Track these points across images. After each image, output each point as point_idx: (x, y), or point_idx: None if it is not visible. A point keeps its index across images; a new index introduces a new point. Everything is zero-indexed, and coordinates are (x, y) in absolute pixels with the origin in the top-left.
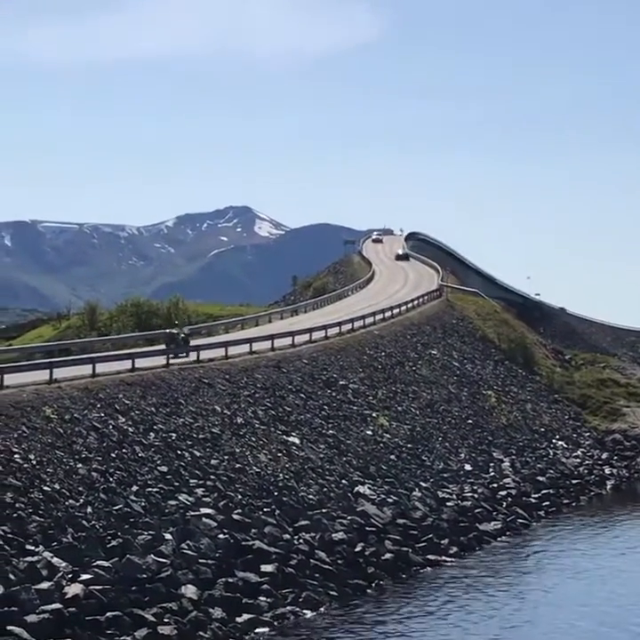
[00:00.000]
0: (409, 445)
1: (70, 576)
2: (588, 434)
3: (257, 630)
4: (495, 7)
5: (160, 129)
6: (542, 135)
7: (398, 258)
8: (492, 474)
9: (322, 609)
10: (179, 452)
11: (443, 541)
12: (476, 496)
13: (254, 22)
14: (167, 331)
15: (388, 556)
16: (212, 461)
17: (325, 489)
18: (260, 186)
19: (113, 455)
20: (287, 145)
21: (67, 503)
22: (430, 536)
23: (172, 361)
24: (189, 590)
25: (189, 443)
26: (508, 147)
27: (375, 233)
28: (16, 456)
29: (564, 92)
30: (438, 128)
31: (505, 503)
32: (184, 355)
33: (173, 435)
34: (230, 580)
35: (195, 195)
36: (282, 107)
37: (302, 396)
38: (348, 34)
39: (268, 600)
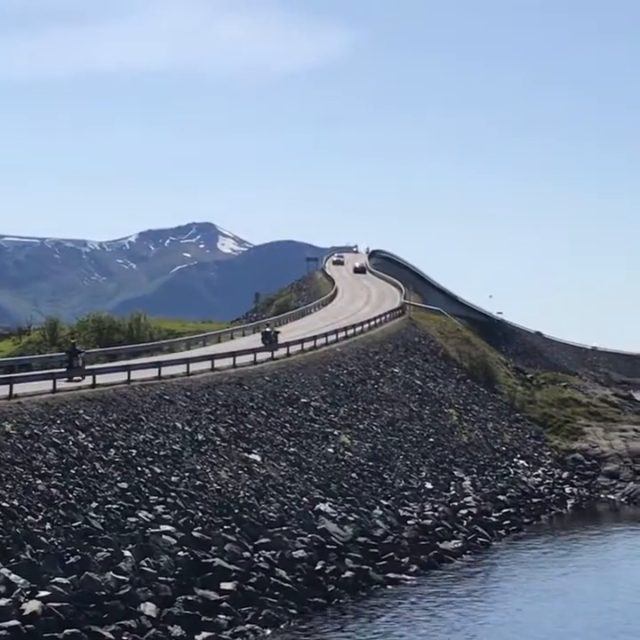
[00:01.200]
0: (370, 463)
1: (28, 593)
2: (548, 453)
3: None
4: (467, 21)
5: (123, 144)
6: (508, 153)
7: (356, 271)
8: (453, 492)
9: (282, 627)
10: (139, 469)
11: (403, 560)
12: (436, 514)
13: (223, 39)
14: (263, 330)
15: (348, 574)
16: (173, 478)
17: (286, 507)
18: (223, 202)
19: (72, 471)
20: (251, 161)
21: (25, 519)
22: (391, 554)
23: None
24: (148, 608)
25: (150, 459)
26: (472, 164)
27: (336, 254)
28: None
29: (533, 108)
30: (401, 146)
31: (465, 522)
32: (275, 349)
33: (134, 451)
34: (190, 597)
35: (158, 211)
36: (247, 123)
37: (264, 413)
38: (316, 51)
39: (228, 618)
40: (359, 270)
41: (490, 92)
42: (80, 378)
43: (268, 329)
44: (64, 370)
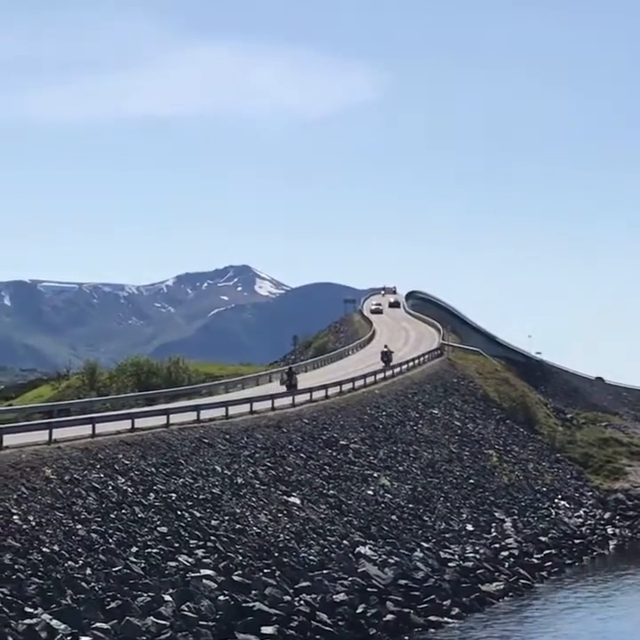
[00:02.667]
0: (410, 505)
1: (69, 638)
2: (590, 493)
3: None
4: (491, 67)
5: (160, 188)
6: (543, 193)
7: (391, 305)
8: (494, 534)
9: None
10: (179, 513)
11: (445, 602)
12: (477, 556)
13: (254, 85)
14: (382, 350)
15: (389, 617)
16: (213, 522)
17: (326, 549)
18: (260, 245)
19: (112, 516)
20: (287, 204)
21: (66, 565)
22: (432, 597)
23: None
24: None
25: (189, 503)
26: (509, 204)
27: (374, 303)
28: (15, 517)
29: (562, 149)
30: (437, 186)
31: (507, 564)
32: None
33: (173, 495)
34: None
35: (195, 254)
36: (281, 167)
37: (303, 455)
38: (345, 95)
39: None
40: (394, 305)
41: (523, 130)
42: (294, 392)
43: (385, 349)
44: (283, 387)
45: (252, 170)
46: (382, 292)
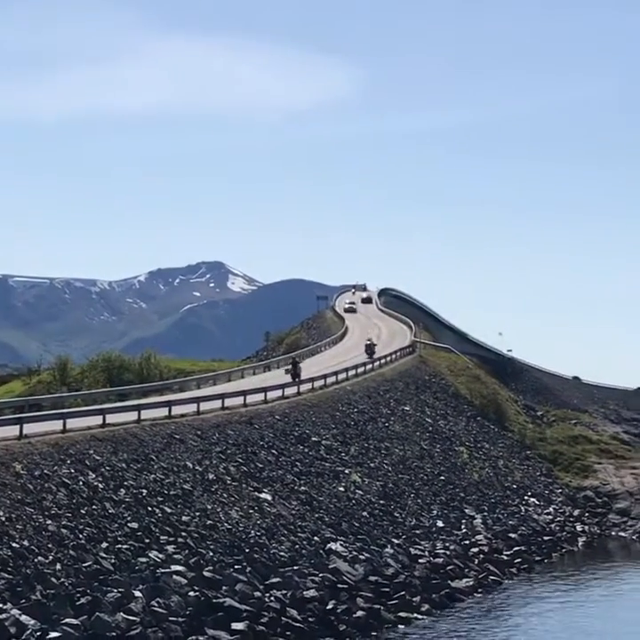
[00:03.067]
0: (381, 502)
1: (39, 634)
2: (559, 490)
3: None
4: (468, 65)
5: (132, 184)
6: (518, 189)
7: (363, 301)
8: (464, 530)
9: None
10: (149, 509)
11: (415, 599)
12: (448, 553)
13: (229, 79)
14: (366, 343)
15: (359, 613)
16: (183, 518)
17: (297, 546)
18: (232, 241)
19: (83, 511)
20: (259, 201)
21: (36, 560)
22: (402, 593)
23: None
24: None
25: (160, 499)
26: (481, 202)
27: (347, 302)
28: None
29: (542, 151)
30: (410, 183)
31: (477, 560)
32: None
33: (144, 491)
34: (201, 637)
35: (167, 250)
36: (255, 162)
37: (274, 452)
38: (322, 92)
39: None
40: (366, 300)
41: (495, 130)
42: (299, 381)
43: (368, 342)
44: (289, 377)
45: (225, 164)
46: (353, 291)
